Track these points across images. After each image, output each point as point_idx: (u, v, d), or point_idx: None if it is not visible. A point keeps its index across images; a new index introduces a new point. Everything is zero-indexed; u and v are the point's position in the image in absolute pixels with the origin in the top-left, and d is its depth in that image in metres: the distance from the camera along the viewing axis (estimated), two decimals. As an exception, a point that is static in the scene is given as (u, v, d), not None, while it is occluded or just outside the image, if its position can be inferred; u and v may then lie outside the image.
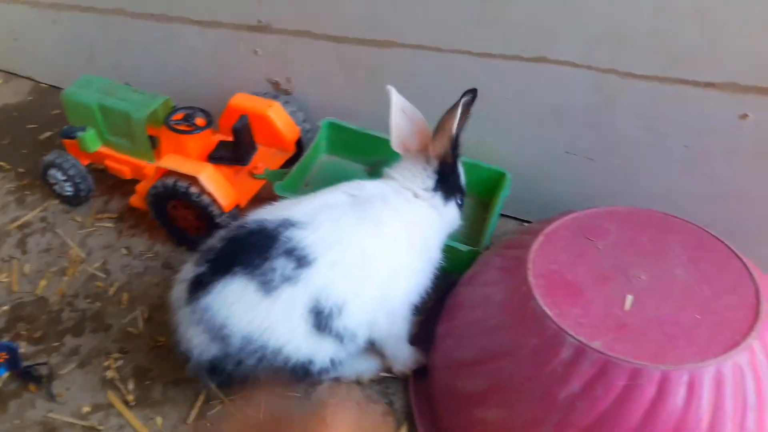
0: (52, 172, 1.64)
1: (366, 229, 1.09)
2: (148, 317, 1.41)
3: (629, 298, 0.97)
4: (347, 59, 1.54)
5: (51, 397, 1.26)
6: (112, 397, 1.27)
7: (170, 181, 1.42)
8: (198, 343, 1.08)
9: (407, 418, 1.20)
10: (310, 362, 1.09)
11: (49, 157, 1.63)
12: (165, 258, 1.55)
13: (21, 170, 1.84)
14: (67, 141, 1.63)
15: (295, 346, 1.05)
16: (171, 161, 1.43)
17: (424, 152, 1.22)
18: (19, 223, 1.66)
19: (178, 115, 1.53)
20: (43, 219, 1.68)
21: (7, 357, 1.29)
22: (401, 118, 1.21)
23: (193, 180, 1.40)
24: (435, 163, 1.21)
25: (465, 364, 1.05)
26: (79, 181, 1.63)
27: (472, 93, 1.18)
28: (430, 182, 1.20)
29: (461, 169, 1.28)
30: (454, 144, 1.20)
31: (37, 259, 1.56)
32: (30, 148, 1.92)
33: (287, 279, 1.03)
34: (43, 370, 1.30)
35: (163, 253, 1.56)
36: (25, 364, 1.31)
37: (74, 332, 1.40)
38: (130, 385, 1.29)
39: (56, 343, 1.37)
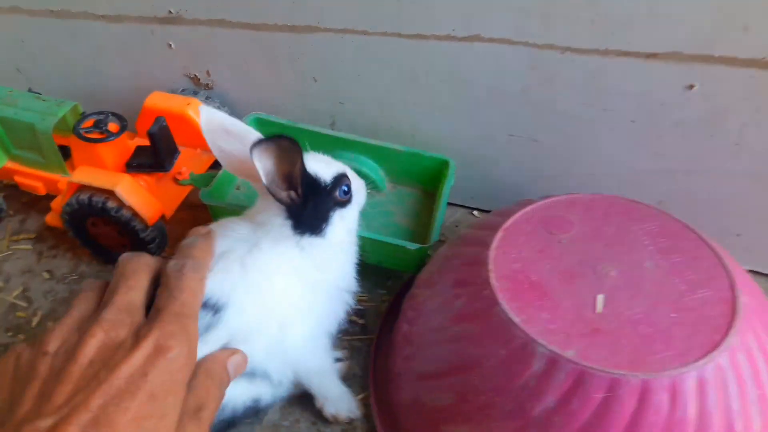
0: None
1: (253, 284, 0.97)
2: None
3: (600, 298, 0.90)
4: (267, 48, 1.43)
5: None
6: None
7: (85, 196, 1.30)
8: None
9: (363, 434, 1.12)
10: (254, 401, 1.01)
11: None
12: (90, 277, 1.42)
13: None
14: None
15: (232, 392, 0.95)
16: (83, 174, 1.30)
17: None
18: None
19: (88, 122, 1.39)
20: (-41, 243, 1.53)
21: None
22: (226, 142, 0.97)
23: (109, 194, 1.28)
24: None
25: (428, 377, 0.98)
26: (-12, 201, 1.49)
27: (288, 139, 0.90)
28: (288, 227, 0.99)
29: (326, 168, 1.03)
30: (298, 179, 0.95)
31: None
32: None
33: (208, 327, 0.93)
34: None
35: (89, 274, 1.44)
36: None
37: None
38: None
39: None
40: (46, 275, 1.45)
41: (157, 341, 0.74)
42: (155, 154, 1.39)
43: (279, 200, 0.96)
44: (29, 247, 1.51)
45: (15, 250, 1.51)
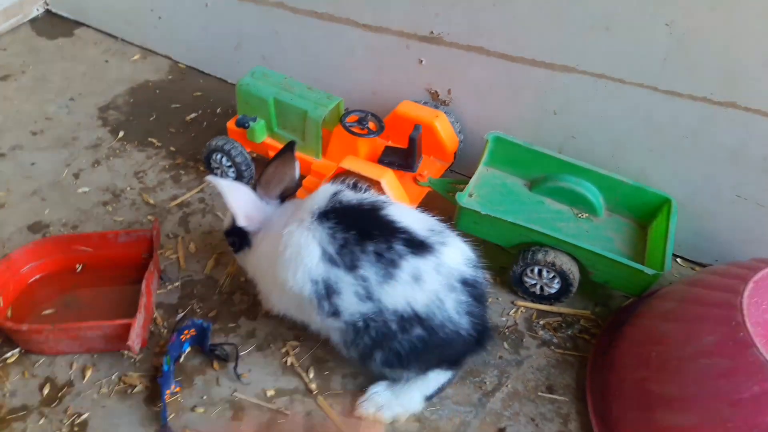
0: (218, 156, 1.71)
1: None
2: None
3: None
4: (516, 78, 1.59)
5: (237, 377, 1.33)
6: (296, 382, 1.34)
7: (349, 181, 1.48)
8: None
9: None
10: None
11: (217, 142, 1.70)
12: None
13: (172, 149, 1.91)
14: (234, 128, 1.69)
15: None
16: (353, 163, 1.49)
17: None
18: (178, 201, 1.74)
19: (353, 117, 1.59)
20: (201, 200, 1.75)
21: (194, 334, 1.36)
22: (240, 197, 1.30)
23: (373, 183, 1.46)
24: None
25: (669, 399, 1.11)
26: (244, 168, 1.70)
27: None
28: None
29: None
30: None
31: (201, 239, 1.64)
32: (177, 128, 1.99)
33: None
34: (226, 351, 1.36)
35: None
36: (212, 343, 1.37)
37: (248, 315, 1.46)
38: (311, 374, 1.35)
39: (232, 324, 1.44)
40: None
41: None
42: (407, 156, 1.57)
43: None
44: (270, 214, 1.71)
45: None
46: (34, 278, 1.48)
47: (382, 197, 1.28)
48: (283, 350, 1.40)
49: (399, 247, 1.17)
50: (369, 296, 1.17)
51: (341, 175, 1.51)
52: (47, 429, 1.25)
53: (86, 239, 1.51)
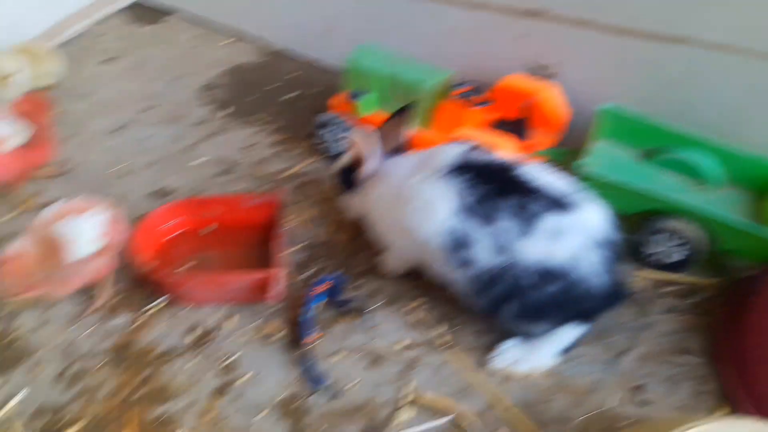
0: (323, 131, 1.80)
1: None
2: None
3: None
4: (628, 52, 1.65)
5: (370, 328, 1.41)
6: (427, 336, 1.41)
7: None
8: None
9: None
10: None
11: (324, 117, 1.79)
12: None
13: (276, 125, 2.00)
14: (336, 105, 1.78)
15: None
16: (473, 133, 1.57)
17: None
18: (291, 172, 1.82)
19: (463, 89, 1.67)
20: (311, 172, 1.83)
21: (329, 286, 1.44)
22: (370, 145, 1.42)
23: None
24: None
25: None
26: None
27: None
28: None
29: None
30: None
31: (319, 206, 1.72)
32: (278, 107, 2.08)
33: None
34: (359, 304, 1.45)
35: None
36: (343, 297, 1.45)
37: (373, 274, 1.54)
38: (441, 329, 1.42)
39: (358, 282, 1.52)
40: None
41: None
42: (519, 127, 1.64)
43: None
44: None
45: (366, 184, 1.79)
46: (169, 237, 1.57)
47: (511, 158, 1.34)
48: (411, 306, 1.47)
49: (537, 203, 1.23)
50: (504, 249, 1.24)
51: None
52: (200, 368, 1.34)
53: (216, 202, 1.60)
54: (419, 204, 1.29)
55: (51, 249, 1.34)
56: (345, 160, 1.50)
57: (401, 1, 1.95)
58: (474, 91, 1.67)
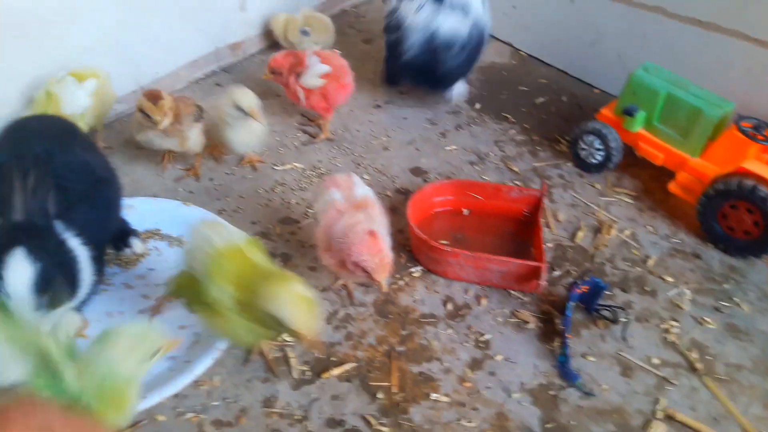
0: (590, 138, 1.81)
1: None
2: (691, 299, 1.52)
3: None
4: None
5: (623, 338, 1.41)
6: (679, 359, 1.40)
7: (749, 183, 1.52)
8: None
9: None
10: None
11: (593, 125, 1.80)
12: (693, 248, 1.66)
13: (526, 126, 2.05)
14: (608, 115, 1.79)
15: None
16: (757, 166, 1.53)
17: None
18: (540, 172, 1.86)
19: (748, 123, 1.62)
20: (559, 176, 1.86)
21: (586, 290, 1.46)
22: None
23: (775, 188, 1.48)
24: None
25: None
26: (615, 153, 1.79)
27: None
28: None
29: None
30: None
31: (566, 211, 1.74)
32: (528, 109, 2.13)
33: None
34: (614, 312, 1.46)
35: (689, 242, 1.67)
36: (601, 302, 1.46)
37: (621, 287, 1.54)
38: (693, 353, 1.40)
39: (608, 293, 1.52)
40: (650, 228, 1.71)
41: None
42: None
43: None
44: (629, 201, 1.79)
45: (616, 198, 1.79)
46: (435, 210, 1.66)
47: None
48: (663, 326, 1.46)
49: None
50: None
51: (735, 175, 1.55)
52: (455, 338, 1.41)
53: (481, 187, 1.67)
54: None
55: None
56: None
57: (681, 26, 1.92)
58: (760, 127, 1.62)
